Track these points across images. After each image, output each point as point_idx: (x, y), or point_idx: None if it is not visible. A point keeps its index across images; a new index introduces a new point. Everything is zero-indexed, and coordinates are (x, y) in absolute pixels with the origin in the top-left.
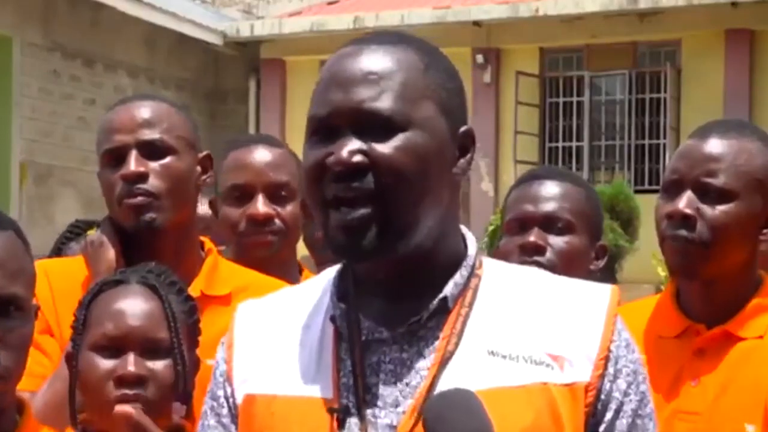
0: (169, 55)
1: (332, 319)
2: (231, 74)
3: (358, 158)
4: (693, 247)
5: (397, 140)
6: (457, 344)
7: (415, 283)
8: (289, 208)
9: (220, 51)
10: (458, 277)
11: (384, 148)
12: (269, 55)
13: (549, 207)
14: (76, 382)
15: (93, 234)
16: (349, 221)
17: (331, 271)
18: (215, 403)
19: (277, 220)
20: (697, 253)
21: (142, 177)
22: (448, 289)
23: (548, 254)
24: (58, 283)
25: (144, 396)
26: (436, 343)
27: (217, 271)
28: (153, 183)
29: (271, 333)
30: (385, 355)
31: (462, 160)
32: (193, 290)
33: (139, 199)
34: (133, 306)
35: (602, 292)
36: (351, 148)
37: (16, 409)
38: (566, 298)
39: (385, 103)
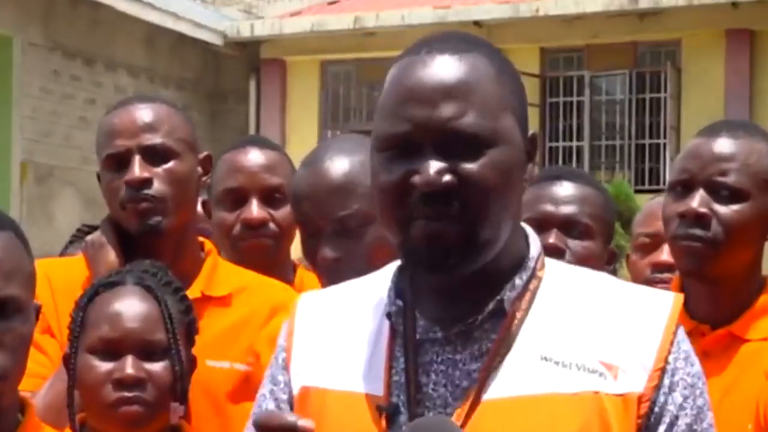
0: (169, 54)
1: (388, 315)
2: (231, 74)
3: (447, 179)
4: (706, 246)
5: (486, 158)
6: (509, 348)
7: (475, 286)
8: (283, 211)
9: (220, 51)
10: (517, 280)
11: (473, 167)
12: (269, 55)
13: (569, 209)
14: (74, 384)
15: (93, 235)
16: (435, 237)
17: (392, 267)
18: (275, 388)
19: (271, 224)
20: (709, 253)
21: (147, 182)
22: (506, 292)
23: (566, 257)
24: (59, 283)
25: (143, 398)
26: (490, 345)
27: (217, 272)
28: (157, 188)
29: (330, 326)
30: (437, 356)
31: (530, 166)
32: (193, 291)
33: (144, 204)
34: (130, 308)
35: (664, 300)
36: (439, 168)
37: (18, 408)
38: (626, 305)
39: (471, 120)
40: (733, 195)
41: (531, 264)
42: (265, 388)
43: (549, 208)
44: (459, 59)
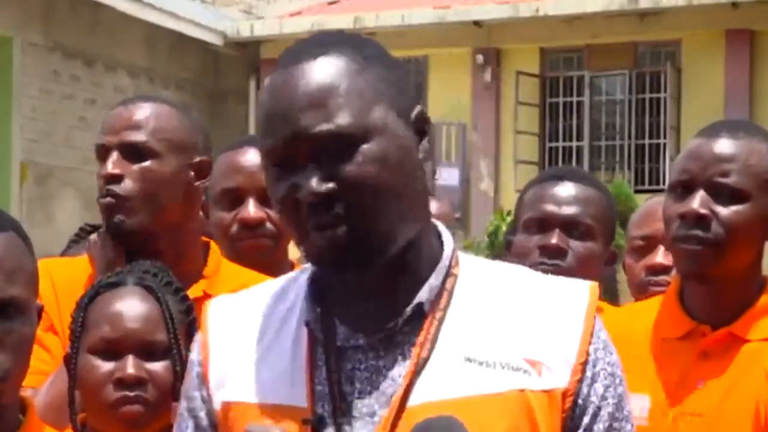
0: (169, 55)
1: (307, 323)
2: (231, 74)
3: (328, 186)
4: (706, 247)
5: (360, 155)
6: (431, 350)
7: (392, 288)
8: None
9: (220, 51)
10: (433, 280)
11: (349, 167)
12: (269, 55)
13: (572, 210)
14: (75, 384)
15: (96, 234)
16: (330, 241)
17: (305, 271)
18: (191, 405)
19: (268, 224)
20: (710, 254)
21: (117, 178)
22: (424, 294)
23: (568, 258)
24: (62, 282)
25: (144, 397)
26: (412, 349)
27: (220, 272)
28: (125, 186)
29: (246, 333)
30: (360, 363)
31: (423, 142)
32: (196, 291)
33: (108, 199)
34: (131, 308)
35: (580, 290)
36: (317, 177)
37: (19, 408)
38: (544, 298)
39: (336, 122)
40: (733, 196)
41: (446, 262)
42: (182, 406)
43: (551, 208)
44: (314, 65)
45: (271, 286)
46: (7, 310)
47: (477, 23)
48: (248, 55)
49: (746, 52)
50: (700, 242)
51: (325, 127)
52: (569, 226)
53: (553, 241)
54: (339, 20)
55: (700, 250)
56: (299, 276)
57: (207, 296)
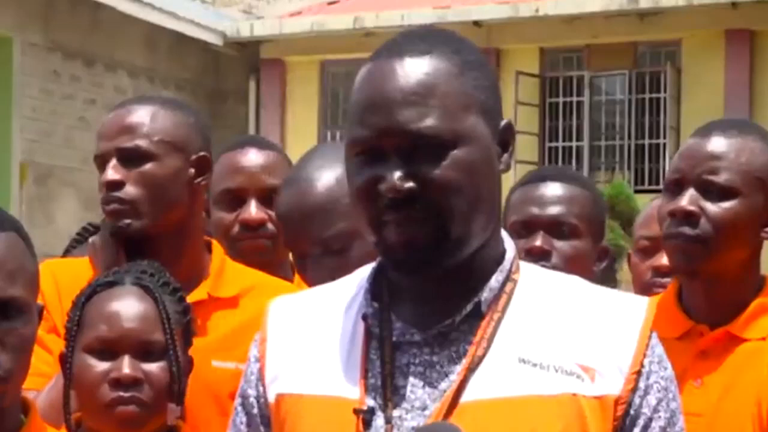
0: (169, 55)
1: (364, 317)
2: (231, 74)
3: (409, 185)
4: (694, 244)
5: (448, 160)
6: (487, 349)
7: (453, 287)
8: None
9: (220, 51)
10: (494, 282)
11: (435, 170)
12: (269, 55)
13: (555, 210)
14: (70, 383)
15: (96, 236)
16: (406, 240)
17: (366, 270)
18: (246, 402)
19: (269, 225)
20: (698, 251)
21: (119, 185)
22: (483, 294)
23: (554, 259)
24: (65, 283)
25: (139, 398)
26: (467, 347)
27: (225, 272)
28: (128, 190)
29: (304, 330)
30: (415, 357)
31: (505, 155)
32: (200, 292)
33: (113, 206)
34: (128, 308)
35: (638, 305)
36: (401, 173)
37: (21, 409)
38: (601, 309)
39: (430, 123)
40: (722, 193)
41: (506, 266)
42: (236, 401)
43: (534, 210)
44: (417, 63)
45: (332, 285)
46: (8, 311)
47: (477, 23)
48: (248, 55)
49: (746, 52)
50: (687, 239)
51: (421, 125)
52: (554, 227)
53: (537, 243)
54: (339, 20)
55: (688, 247)
56: (363, 272)
57: (212, 299)
